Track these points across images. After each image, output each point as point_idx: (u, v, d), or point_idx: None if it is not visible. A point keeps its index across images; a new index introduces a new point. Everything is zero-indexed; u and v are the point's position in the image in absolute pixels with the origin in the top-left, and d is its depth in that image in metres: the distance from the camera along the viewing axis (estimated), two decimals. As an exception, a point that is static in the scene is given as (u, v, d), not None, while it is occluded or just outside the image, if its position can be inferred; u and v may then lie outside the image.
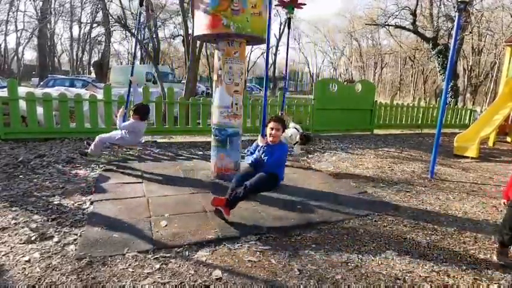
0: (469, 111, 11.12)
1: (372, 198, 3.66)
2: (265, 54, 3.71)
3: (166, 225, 2.64)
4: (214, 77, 3.88)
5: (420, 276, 2.14)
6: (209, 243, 2.43)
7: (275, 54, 36.00)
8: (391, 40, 29.86)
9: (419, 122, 9.84)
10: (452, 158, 6.22)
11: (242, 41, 3.74)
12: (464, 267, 2.27)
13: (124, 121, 4.05)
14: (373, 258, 2.33)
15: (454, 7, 4.16)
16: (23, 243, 2.26)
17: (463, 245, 2.63)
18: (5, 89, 6.87)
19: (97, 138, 4.17)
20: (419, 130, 9.77)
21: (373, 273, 2.14)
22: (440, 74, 14.00)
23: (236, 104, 3.79)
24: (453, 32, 4.60)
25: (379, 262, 2.28)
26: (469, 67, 23.14)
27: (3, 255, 2.09)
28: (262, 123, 3.32)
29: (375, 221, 3.02)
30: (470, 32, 14.36)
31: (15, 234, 2.38)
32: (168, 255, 2.22)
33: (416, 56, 28.79)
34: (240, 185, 2.75)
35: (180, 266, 2.10)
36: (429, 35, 14.41)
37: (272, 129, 2.89)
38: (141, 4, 4.28)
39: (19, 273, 1.92)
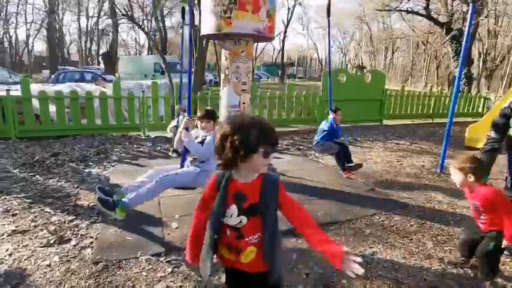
0: (482, 99, 10.84)
1: (380, 195, 3.68)
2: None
3: (177, 227, 2.73)
4: (222, 76, 3.89)
5: (425, 280, 2.18)
6: (219, 245, 2.50)
7: (283, 41, 35.50)
8: (403, 24, 28.99)
9: (431, 111, 9.67)
10: (463, 150, 6.13)
11: (249, 40, 3.72)
12: (470, 271, 2.30)
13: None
14: (378, 261, 2.38)
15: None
16: (43, 246, 2.39)
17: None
18: (18, 86, 7.04)
19: (155, 183, 2.53)
20: (430, 120, 9.61)
21: (378, 276, 2.19)
22: (454, 61, 13.59)
23: (244, 103, 3.82)
24: (468, 16, 4.45)
25: (385, 265, 2.33)
26: (485, 50, 22.37)
27: (25, 259, 2.21)
28: None
29: (382, 220, 3.05)
30: (486, 16, 13.79)
31: (36, 237, 2.51)
32: (180, 258, 2.31)
33: (429, 40, 27.92)
34: None
35: (191, 269, 2.19)
36: (443, 20, 13.92)
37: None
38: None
39: (41, 277, 2.04)
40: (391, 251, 2.52)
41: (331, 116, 4.31)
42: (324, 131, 4.29)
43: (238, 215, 1.28)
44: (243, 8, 3.35)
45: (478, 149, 6.21)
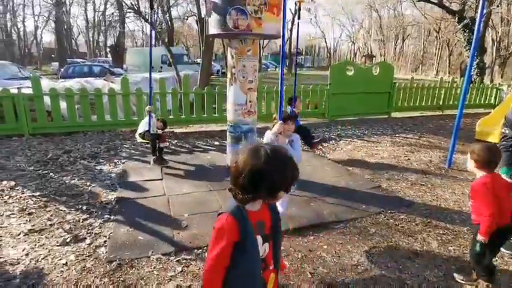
0: (494, 89, 10.58)
1: (386, 193, 3.71)
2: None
3: (186, 226, 2.82)
4: (228, 75, 3.90)
5: (429, 281, 2.22)
6: (226, 244, 2.58)
7: (291, 30, 34.94)
8: (415, 10, 28.20)
9: (441, 102, 9.51)
10: (473, 144, 6.05)
11: (255, 38, 3.72)
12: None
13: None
14: (382, 260, 2.43)
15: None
16: (59, 245, 2.50)
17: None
18: (26, 81, 7.15)
19: None
20: (440, 111, 9.47)
21: (382, 277, 2.25)
22: (466, 50, 13.25)
23: (250, 102, 3.83)
24: (479, 5, 4.35)
25: (389, 265, 2.37)
26: (498, 38, 21.69)
27: (42, 259, 2.33)
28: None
29: (387, 219, 3.08)
30: (498, 6, 13.31)
31: (52, 236, 2.63)
32: (189, 257, 2.40)
33: (441, 27, 27.16)
34: None
35: (200, 268, 2.28)
36: (455, 8, 13.51)
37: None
38: None
39: (58, 276, 2.15)
40: (395, 251, 2.56)
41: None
42: None
43: (262, 244, 1.23)
44: (271, 10, 3.40)
45: (488, 142, 6.16)
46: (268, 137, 2.74)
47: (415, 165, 4.75)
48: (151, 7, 3.30)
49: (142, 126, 4.36)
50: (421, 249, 2.60)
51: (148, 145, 5.33)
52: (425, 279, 2.23)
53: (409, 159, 5.06)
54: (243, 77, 3.74)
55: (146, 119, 4.35)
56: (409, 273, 2.30)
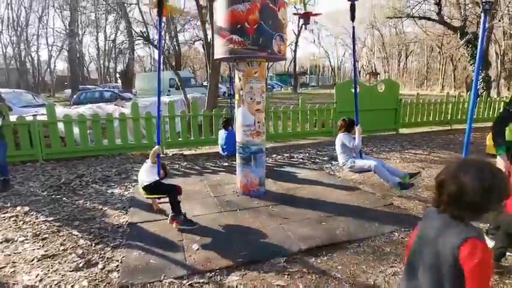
0: (502, 102, 10.52)
1: (398, 211, 3.64)
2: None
3: (197, 249, 2.80)
4: (236, 97, 4.00)
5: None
6: (239, 267, 2.55)
7: (294, 51, 35.71)
8: (416, 27, 28.64)
9: (449, 117, 9.47)
10: (485, 158, 5.97)
11: (262, 61, 3.83)
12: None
13: None
14: (399, 281, 2.36)
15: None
16: (72, 270, 2.51)
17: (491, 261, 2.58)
18: (40, 108, 7.40)
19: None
20: (448, 126, 9.41)
21: (400, 298, 2.18)
22: (471, 64, 13.31)
23: (258, 122, 3.90)
24: (481, 22, 4.41)
25: (406, 286, 2.30)
26: (502, 51, 21.77)
27: (55, 285, 2.33)
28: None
29: (402, 237, 3.02)
30: (500, 20, 13.48)
31: (65, 261, 2.64)
32: (202, 280, 2.38)
33: (444, 43, 27.44)
34: None
35: (213, 292, 2.25)
36: (457, 24, 13.72)
37: None
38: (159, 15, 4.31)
39: (72, 302, 2.14)
40: (412, 271, 2.49)
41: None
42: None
43: None
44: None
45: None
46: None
47: (427, 182, 4.69)
48: (160, 15, 3.37)
49: (147, 175, 3.25)
50: (439, 268, 2.52)
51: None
52: (446, 301, 2.15)
53: (420, 175, 4.99)
54: (251, 99, 3.83)
55: (147, 166, 3.33)
56: (428, 294, 2.22)
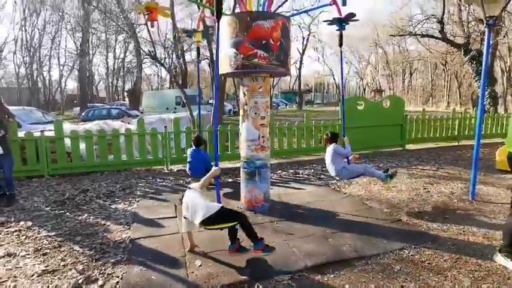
0: (510, 118, 10.40)
1: (407, 227, 3.53)
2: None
3: (200, 265, 2.72)
4: (241, 112, 4.01)
5: (464, 323, 2.03)
6: (242, 284, 2.47)
7: (299, 69, 36.20)
8: (419, 45, 28.96)
9: (456, 133, 9.36)
10: (495, 174, 5.84)
11: (266, 76, 3.86)
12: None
13: None
14: (411, 301, 2.25)
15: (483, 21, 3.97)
16: (72, 287, 2.44)
17: (509, 282, 2.45)
18: (49, 125, 7.52)
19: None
20: (456, 142, 9.28)
21: (412, 319, 2.07)
22: (476, 81, 13.29)
23: (263, 137, 3.88)
24: (485, 38, 4.43)
25: (418, 306, 2.19)
26: (507, 68, 21.78)
27: (55, 301, 2.27)
28: None
29: (412, 255, 2.91)
30: (504, 36, 13.57)
31: (64, 277, 2.58)
32: (204, 298, 2.29)
33: (447, 60, 27.59)
34: None
35: (215, 311, 2.16)
36: (460, 41, 13.82)
37: None
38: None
39: (70, 320, 2.07)
40: (424, 290, 2.38)
41: None
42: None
43: None
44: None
45: (511, 171, 5.93)
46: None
47: (436, 198, 4.57)
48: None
49: (204, 205, 2.72)
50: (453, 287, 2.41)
51: (165, 182, 5.36)
52: (461, 322, 2.04)
53: (428, 191, 4.88)
54: (255, 113, 3.83)
55: (197, 194, 2.85)
56: (441, 315, 2.11)
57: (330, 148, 4.34)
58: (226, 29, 3.59)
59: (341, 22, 4.24)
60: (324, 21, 4.44)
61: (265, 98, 3.88)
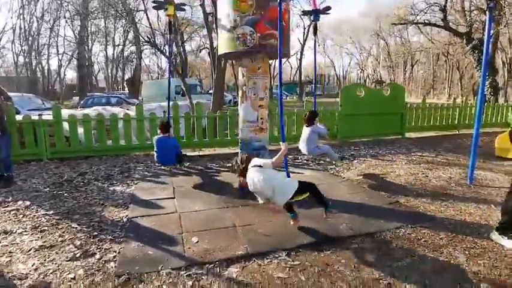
0: (510, 108, 10.36)
1: (405, 208, 3.54)
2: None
3: (197, 242, 2.73)
4: (240, 93, 3.97)
5: (459, 295, 2.04)
6: (239, 259, 2.48)
7: (300, 59, 35.94)
8: (421, 36, 28.68)
9: (456, 122, 9.33)
10: (493, 161, 5.83)
11: (265, 56, 3.82)
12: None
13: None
14: (406, 275, 2.26)
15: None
16: (69, 260, 2.46)
17: (506, 259, 2.46)
18: (49, 111, 7.49)
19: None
20: (456, 131, 9.26)
21: (407, 291, 2.08)
22: (477, 70, 13.20)
23: (261, 118, 3.86)
24: (487, 20, 4.38)
25: (414, 280, 2.20)
26: (508, 60, 21.61)
27: (50, 273, 2.28)
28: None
29: (408, 233, 2.91)
30: (505, 26, 13.40)
31: (62, 252, 2.59)
32: (200, 271, 2.30)
33: (449, 51, 27.36)
34: None
35: (211, 283, 2.17)
36: (462, 30, 13.67)
37: None
38: (170, 31, 4.68)
39: (66, 290, 2.09)
40: (420, 265, 2.39)
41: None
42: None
43: None
44: None
45: (509, 159, 5.93)
46: None
47: (434, 182, 4.57)
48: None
49: (286, 183, 2.93)
50: (448, 263, 2.42)
51: (163, 166, 5.32)
52: (455, 294, 2.05)
53: (427, 176, 4.88)
54: (254, 94, 3.80)
55: (272, 171, 2.87)
56: None
57: (309, 129, 4.66)
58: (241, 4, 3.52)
59: (317, 13, 4.67)
60: (302, 11, 4.97)
61: (264, 79, 3.84)
